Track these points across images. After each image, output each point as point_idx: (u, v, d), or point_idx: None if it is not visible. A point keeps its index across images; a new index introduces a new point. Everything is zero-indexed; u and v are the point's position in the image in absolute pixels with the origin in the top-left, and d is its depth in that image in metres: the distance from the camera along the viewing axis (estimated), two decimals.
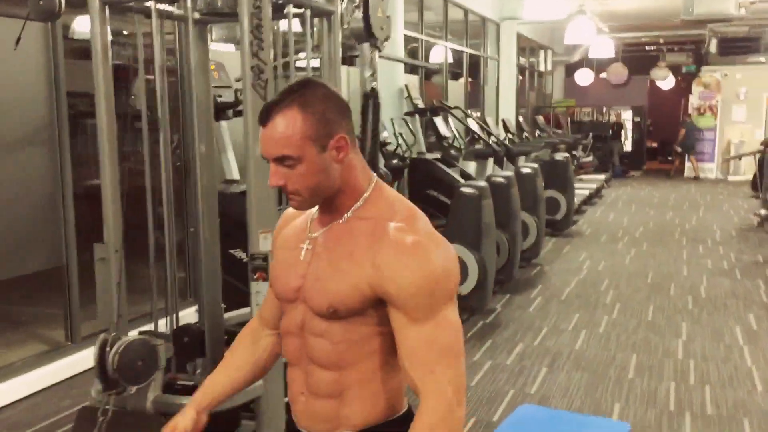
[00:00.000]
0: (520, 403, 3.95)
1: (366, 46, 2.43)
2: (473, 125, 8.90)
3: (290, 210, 1.60)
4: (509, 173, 6.56)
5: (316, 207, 1.51)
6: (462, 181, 6.25)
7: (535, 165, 7.66)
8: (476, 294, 5.48)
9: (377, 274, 1.39)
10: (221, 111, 4.19)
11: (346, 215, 1.47)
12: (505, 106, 12.65)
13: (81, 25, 4.98)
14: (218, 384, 1.66)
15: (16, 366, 4.22)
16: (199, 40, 2.92)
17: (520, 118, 12.93)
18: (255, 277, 2.49)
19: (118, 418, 2.30)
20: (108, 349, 2.28)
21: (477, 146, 8.83)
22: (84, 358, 4.55)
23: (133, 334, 2.54)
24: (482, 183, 5.75)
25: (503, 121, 10.87)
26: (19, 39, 2.99)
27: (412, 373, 1.40)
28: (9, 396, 4.05)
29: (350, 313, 1.43)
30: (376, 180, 1.50)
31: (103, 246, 2.66)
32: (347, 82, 6.66)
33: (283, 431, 1.52)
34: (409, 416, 1.48)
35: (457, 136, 8.55)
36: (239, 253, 4.15)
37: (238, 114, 4.12)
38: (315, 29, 3.02)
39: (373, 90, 3.19)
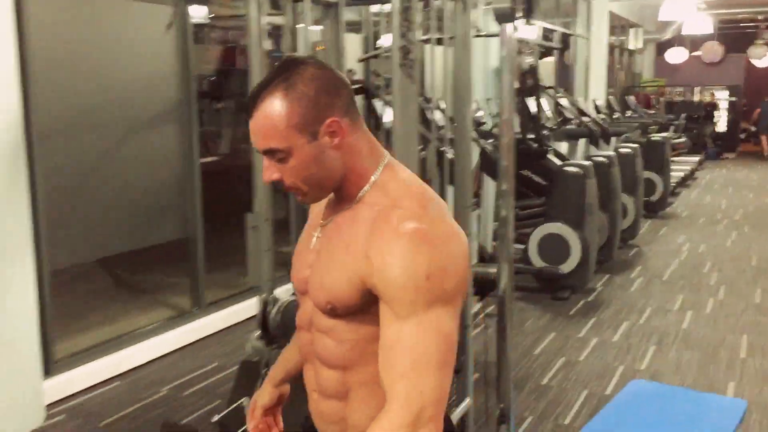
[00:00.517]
0: (631, 379, 4.02)
1: (510, 26, 2.54)
2: (566, 105, 8.86)
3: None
4: (611, 153, 6.55)
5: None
6: (557, 161, 6.27)
7: (635, 145, 7.59)
8: (577, 273, 5.53)
9: (368, 264, 1.22)
10: None
11: (354, 202, 1.31)
12: (595, 85, 12.48)
13: (197, 11, 5.24)
14: (291, 358, 1.60)
15: (147, 330, 4.53)
16: (334, 22, 3.13)
17: (611, 98, 12.74)
18: None
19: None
20: (269, 308, 2.49)
21: (569, 126, 8.80)
22: (208, 324, 4.86)
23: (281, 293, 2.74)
24: (586, 162, 5.78)
25: (594, 101, 10.74)
26: (171, 23, 3.21)
27: (382, 374, 1.21)
28: (142, 357, 4.36)
29: (349, 310, 1.28)
30: (388, 161, 1.33)
31: (254, 215, 2.87)
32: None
33: None
34: None
35: (549, 115, 8.54)
36: None
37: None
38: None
39: (533, 69, 3.27)
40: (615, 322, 5.05)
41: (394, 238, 1.20)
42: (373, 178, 1.31)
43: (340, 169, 1.29)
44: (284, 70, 1.25)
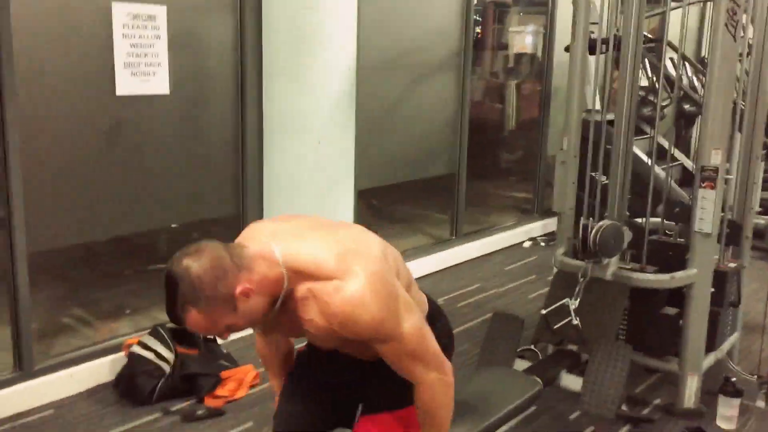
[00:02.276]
0: None
1: None
2: None
3: None
4: None
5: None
6: None
7: None
8: None
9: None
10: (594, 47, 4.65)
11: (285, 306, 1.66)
12: None
13: None
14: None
15: (408, 252, 5.16)
16: None
17: None
18: (704, 185, 3.01)
19: (590, 282, 3.00)
20: (589, 230, 2.96)
21: None
22: (462, 251, 5.43)
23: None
24: None
25: None
26: None
27: (401, 374, 1.73)
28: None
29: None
30: (284, 271, 1.63)
31: (564, 152, 3.33)
32: None
33: None
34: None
35: None
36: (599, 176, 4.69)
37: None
38: None
39: None
40: None
41: (340, 320, 1.64)
42: (285, 286, 1.65)
43: (263, 302, 1.64)
44: (175, 283, 1.53)
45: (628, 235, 3.06)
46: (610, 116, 3.19)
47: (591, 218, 3.05)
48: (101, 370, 3.36)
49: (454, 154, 5.34)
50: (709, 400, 3.20)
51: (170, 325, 3.37)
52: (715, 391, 3.17)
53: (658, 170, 3.92)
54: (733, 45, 2.93)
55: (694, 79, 5.36)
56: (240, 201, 3.94)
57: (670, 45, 3.96)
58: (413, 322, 1.68)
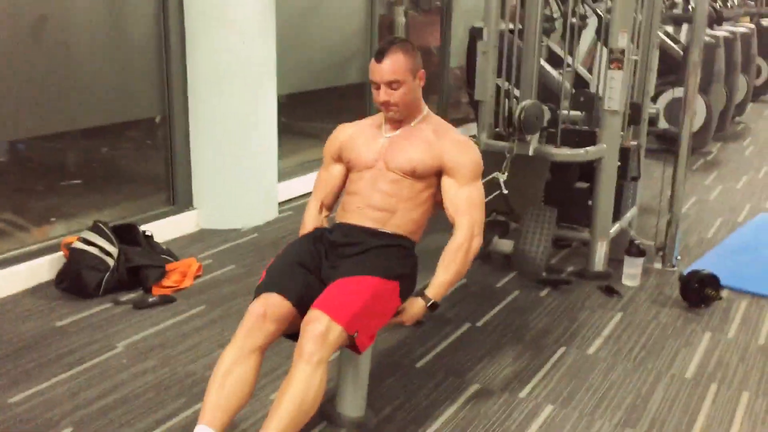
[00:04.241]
0: (759, 213, 4.69)
1: None
2: None
3: (342, 124, 2.52)
4: (736, 29, 6.94)
5: (379, 118, 2.41)
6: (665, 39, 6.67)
7: (752, 26, 7.92)
8: (699, 134, 6.10)
9: (444, 156, 2.30)
10: None
11: (411, 123, 2.36)
12: None
13: None
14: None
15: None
16: None
17: None
18: (612, 66, 3.32)
19: (514, 159, 3.27)
20: (516, 110, 3.22)
21: (675, 11, 9.09)
22: None
23: None
24: (718, 33, 6.24)
25: None
26: None
27: (454, 214, 2.28)
28: None
29: (421, 174, 2.29)
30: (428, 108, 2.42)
31: (484, 43, 3.55)
32: None
33: None
34: (413, 247, 2.36)
35: None
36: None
37: None
38: None
39: None
40: (736, 175, 5.67)
41: (457, 141, 2.35)
42: (425, 113, 2.40)
43: (414, 101, 2.33)
44: (398, 40, 2.30)
45: (547, 114, 3.35)
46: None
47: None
48: (40, 269, 3.36)
49: (366, 63, 5.47)
50: (614, 266, 3.60)
51: (111, 224, 3.41)
52: (620, 258, 3.57)
53: (555, 74, 4.27)
54: None
55: None
56: (165, 100, 3.93)
57: None
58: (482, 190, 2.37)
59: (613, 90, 3.35)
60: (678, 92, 6.10)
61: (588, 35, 5.14)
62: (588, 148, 3.39)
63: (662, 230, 3.77)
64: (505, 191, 3.14)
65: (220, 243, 3.96)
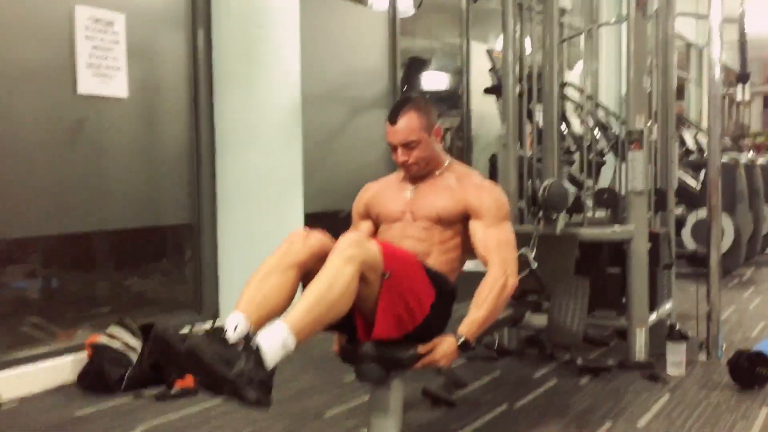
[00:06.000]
0: None
1: None
2: (690, 141, 9.45)
3: (368, 183, 2.55)
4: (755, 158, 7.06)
5: (400, 174, 2.43)
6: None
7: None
8: (730, 255, 6.00)
9: (468, 200, 2.30)
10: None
11: (437, 172, 2.38)
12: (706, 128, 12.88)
13: None
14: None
15: None
16: None
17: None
18: (632, 147, 3.37)
19: (541, 240, 3.24)
20: (540, 189, 3.25)
21: (691, 158, 9.34)
22: None
23: None
24: (736, 155, 6.35)
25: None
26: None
27: (485, 254, 2.25)
28: None
29: (447, 220, 2.30)
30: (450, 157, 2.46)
31: (504, 136, 3.64)
32: None
33: None
34: (453, 289, 2.29)
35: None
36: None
37: None
38: None
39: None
40: None
41: (479, 184, 2.36)
42: (446, 163, 2.42)
43: (434, 155, 2.35)
44: (409, 99, 2.35)
45: (572, 189, 3.36)
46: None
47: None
48: (63, 368, 3.27)
49: None
50: (656, 359, 3.41)
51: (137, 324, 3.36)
52: (661, 352, 3.39)
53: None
54: (642, 22, 3.39)
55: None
56: (195, 208, 4.00)
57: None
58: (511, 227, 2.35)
59: (635, 170, 3.38)
60: (702, 213, 6.13)
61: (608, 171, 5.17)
62: (616, 226, 3.36)
63: (703, 329, 3.61)
64: (535, 265, 3.08)
65: None
